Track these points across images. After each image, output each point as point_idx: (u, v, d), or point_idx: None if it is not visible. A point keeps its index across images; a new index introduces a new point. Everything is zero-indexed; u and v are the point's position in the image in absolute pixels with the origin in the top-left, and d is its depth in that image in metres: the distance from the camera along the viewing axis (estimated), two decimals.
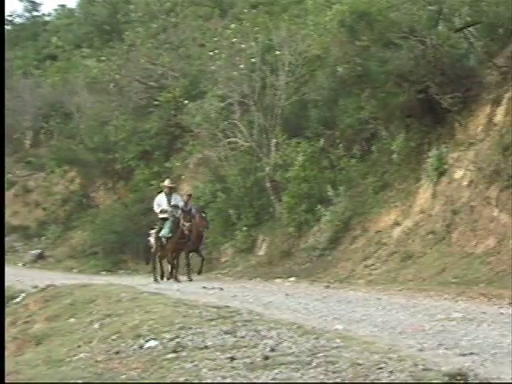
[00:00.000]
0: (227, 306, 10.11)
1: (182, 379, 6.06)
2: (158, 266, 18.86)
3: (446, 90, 16.74)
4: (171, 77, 27.10)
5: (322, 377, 5.57)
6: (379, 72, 16.98)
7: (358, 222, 18.69)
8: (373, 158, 19.72)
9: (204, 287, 14.97)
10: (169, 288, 14.90)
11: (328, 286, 15.09)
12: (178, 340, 7.52)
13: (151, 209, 25.76)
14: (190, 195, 19.83)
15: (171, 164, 25.49)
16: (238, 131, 22.02)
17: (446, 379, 5.00)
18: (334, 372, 5.62)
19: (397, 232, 17.15)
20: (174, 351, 7.10)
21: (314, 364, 5.96)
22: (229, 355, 6.59)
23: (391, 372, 5.42)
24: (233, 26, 24.27)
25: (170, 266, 18.79)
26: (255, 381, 5.72)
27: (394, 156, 18.41)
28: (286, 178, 20.24)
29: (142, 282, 18.00)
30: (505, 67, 16.44)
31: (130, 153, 26.92)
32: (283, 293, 13.27)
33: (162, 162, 26.27)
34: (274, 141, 21.05)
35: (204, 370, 6.19)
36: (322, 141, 20.35)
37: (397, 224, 17.38)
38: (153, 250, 18.96)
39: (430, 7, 17.12)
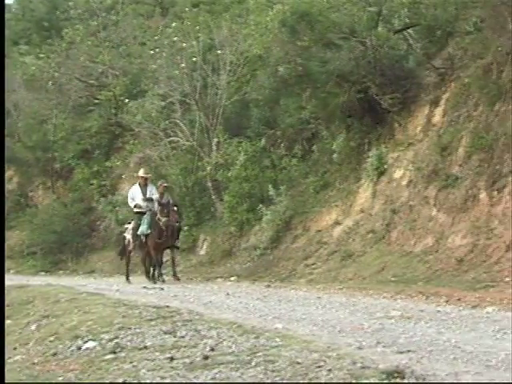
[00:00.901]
0: (167, 306, 10.04)
1: (120, 380, 5.99)
2: (129, 264, 17.98)
3: (386, 91, 16.93)
4: (111, 75, 26.83)
5: (261, 376, 5.56)
6: (320, 72, 17.08)
7: (299, 221, 18.77)
8: (314, 158, 19.81)
9: (144, 287, 14.86)
10: (108, 288, 14.74)
11: (269, 286, 15.12)
12: (116, 341, 7.44)
13: (91, 208, 25.68)
14: (165, 186, 18.16)
15: (111, 163, 25.23)
16: (179, 130, 21.91)
17: (384, 377, 5.04)
18: (273, 371, 5.62)
19: (337, 231, 17.27)
20: (113, 352, 7.02)
21: (253, 363, 5.95)
22: (168, 355, 6.54)
23: (330, 370, 5.44)
24: (174, 24, 24.11)
25: (147, 267, 17.52)
26: (194, 381, 5.69)
27: (335, 156, 18.54)
28: (227, 177, 20.20)
29: (81, 282, 17.81)
30: (442, 68, 16.71)
31: (69, 152, 26.57)
32: (224, 292, 13.25)
33: (102, 161, 26.00)
34: (216, 140, 21.00)
35: (143, 371, 6.13)
36: (263, 140, 20.40)
37: (337, 223, 17.50)
38: (130, 248, 17.72)
39: (369, 9, 17.27)
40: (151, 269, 17.38)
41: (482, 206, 13.48)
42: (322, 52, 17.22)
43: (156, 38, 24.52)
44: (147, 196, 17.43)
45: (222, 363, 6.02)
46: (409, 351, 6.11)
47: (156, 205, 17.10)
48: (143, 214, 17.27)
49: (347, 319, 8.71)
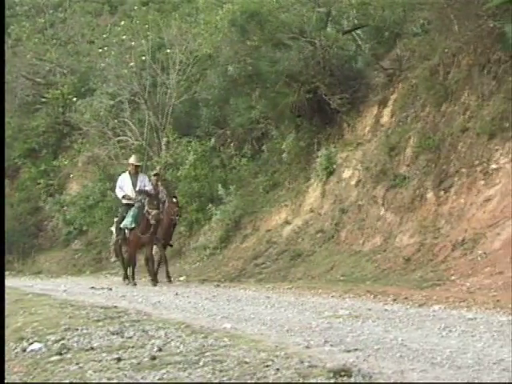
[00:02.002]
0: (115, 307, 9.95)
1: (66, 381, 5.90)
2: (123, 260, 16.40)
3: (335, 91, 17.04)
4: (59, 73, 26.53)
5: (209, 376, 5.53)
6: (269, 72, 17.13)
7: (248, 220, 18.79)
8: (263, 158, 19.86)
9: (92, 287, 14.70)
10: (55, 289, 14.55)
11: (218, 285, 15.09)
12: (63, 342, 7.33)
13: (38, 208, 25.35)
14: (157, 174, 16.70)
15: (59, 162, 24.89)
16: (128, 129, 21.78)
17: (331, 375, 5.06)
18: (220, 371, 5.60)
19: (287, 231, 17.32)
20: (59, 353, 6.91)
21: (201, 363, 5.92)
22: (115, 356, 6.46)
23: (278, 369, 5.44)
24: (123, 23, 23.96)
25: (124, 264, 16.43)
26: (142, 381, 5.63)
27: (284, 155, 18.61)
28: (176, 177, 20.14)
29: (27, 283, 17.55)
30: (391, 69, 16.89)
31: (16, 151, 26.17)
32: (173, 292, 13.18)
33: (49, 160, 25.66)
34: (165, 139, 20.91)
35: (89, 372, 6.05)
36: (212, 140, 20.40)
37: (287, 223, 17.56)
38: (111, 244, 16.75)
39: (319, 9, 17.38)
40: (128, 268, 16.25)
41: (429, 205, 13.64)
42: (272, 52, 17.28)
43: (105, 36, 24.31)
44: (139, 187, 15.67)
45: (169, 363, 5.97)
46: (356, 350, 6.14)
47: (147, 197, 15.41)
48: (131, 206, 15.63)
49: (296, 318, 8.73)
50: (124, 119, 21.84)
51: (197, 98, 21.22)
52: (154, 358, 6.26)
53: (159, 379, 5.58)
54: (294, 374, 5.29)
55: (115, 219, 16.53)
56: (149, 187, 15.64)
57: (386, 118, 16.34)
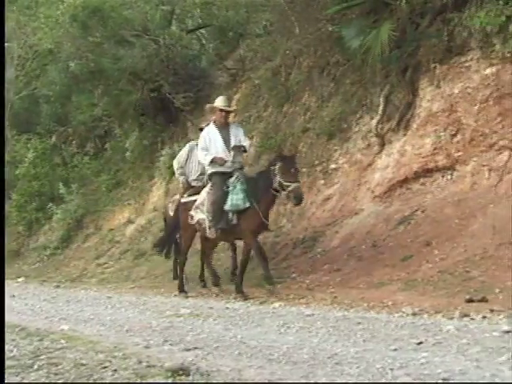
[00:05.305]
0: None
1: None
2: (210, 266, 11.97)
3: (179, 90, 17.05)
4: None
5: (43, 379, 5.36)
6: (112, 69, 16.93)
7: (91, 220, 18.49)
8: (106, 156, 19.61)
9: None
10: None
11: (58, 286, 14.74)
12: None
13: None
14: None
15: None
16: None
17: (169, 375, 5.03)
18: (56, 374, 5.44)
19: (130, 230, 17.17)
20: None
21: (35, 367, 5.72)
22: None
23: (115, 370, 5.34)
24: None
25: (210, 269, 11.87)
26: None
27: (128, 154, 18.46)
28: (15, 175, 19.54)
29: None
30: (234, 69, 17.07)
31: None
32: (9, 294, 12.72)
33: None
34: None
35: None
36: (54, 137, 20.00)
37: (130, 222, 17.42)
38: (207, 235, 10.72)
39: (162, 7, 17.33)
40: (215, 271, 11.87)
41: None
42: (115, 49, 17.09)
43: None
44: (233, 143, 10.64)
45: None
46: (195, 348, 6.13)
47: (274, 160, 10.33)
48: (227, 175, 10.50)
49: (136, 318, 8.63)
50: None
51: (37, 94, 20.70)
52: None
53: None
54: (131, 374, 5.21)
55: (184, 199, 11.33)
56: (247, 142, 10.89)
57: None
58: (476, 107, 10.46)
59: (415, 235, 10.37)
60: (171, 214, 12.19)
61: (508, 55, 9.92)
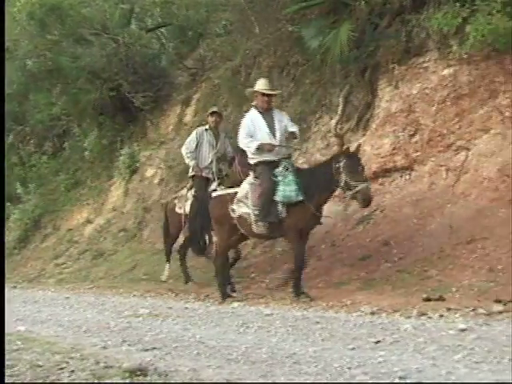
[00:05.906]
0: None
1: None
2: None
3: (138, 89, 16.98)
4: None
5: None
6: (71, 68, 16.81)
7: (49, 220, 18.33)
8: (65, 155, 19.46)
9: None
10: None
11: (15, 287, 14.58)
12: None
13: None
14: None
15: None
16: None
17: (127, 375, 5.00)
18: (11, 376, 5.36)
19: (89, 230, 17.05)
20: None
21: None
22: None
23: (72, 371, 5.29)
24: None
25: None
26: None
27: (87, 153, 18.33)
28: None
29: None
30: (194, 69, 17.04)
31: None
32: None
33: None
34: None
35: None
36: (11, 136, 19.77)
37: (89, 222, 17.30)
38: (255, 231, 9.50)
39: (122, 6, 17.25)
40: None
41: None
42: (73, 47, 16.98)
43: None
44: (278, 129, 9.56)
45: None
46: (154, 349, 6.10)
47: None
48: (274, 164, 9.43)
49: (94, 319, 8.57)
50: None
51: None
52: None
53: None
54: (89, 375, 5.17)
55: (215, 192, 10.34)
56: (295, 128, 9.72)
57: (189, 117, 16.44)
58: (434, 108, 10.56)
59: (374, 235, 10.44)
60: (179, 210, 11.53)
61: (465, 56, 10.03)
